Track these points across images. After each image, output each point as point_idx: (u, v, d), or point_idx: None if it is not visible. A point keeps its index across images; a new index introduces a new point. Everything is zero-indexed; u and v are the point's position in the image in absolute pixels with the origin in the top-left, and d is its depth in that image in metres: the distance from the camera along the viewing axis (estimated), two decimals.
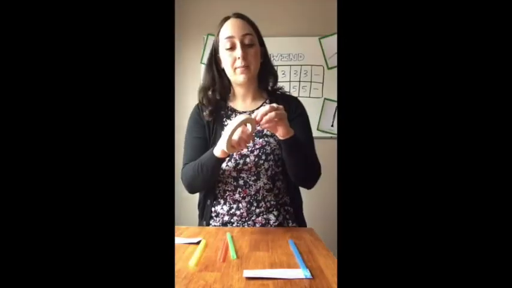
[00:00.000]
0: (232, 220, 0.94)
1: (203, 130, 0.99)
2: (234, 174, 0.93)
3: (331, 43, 1.93)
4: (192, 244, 0.69)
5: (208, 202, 0.97)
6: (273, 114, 0.73)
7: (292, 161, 0.87)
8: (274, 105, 0.76)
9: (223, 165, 0.92)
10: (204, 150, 0.96)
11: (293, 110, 0.98)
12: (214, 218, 0.96)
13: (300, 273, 0.52)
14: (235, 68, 0.94)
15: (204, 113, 0.99)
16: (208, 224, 0.97)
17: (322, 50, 1.95)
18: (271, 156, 0.93)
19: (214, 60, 0.99)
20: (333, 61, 1.95)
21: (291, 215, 0.97)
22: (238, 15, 0.97)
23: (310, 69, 1.96)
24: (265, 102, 1.01)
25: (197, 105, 1.05)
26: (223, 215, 0.95)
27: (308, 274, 0.52)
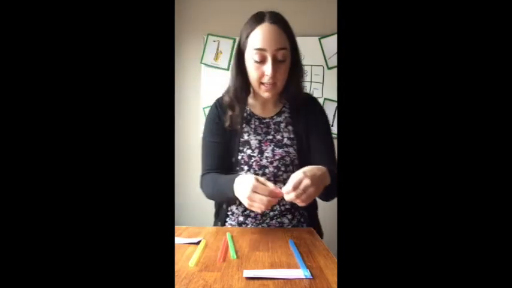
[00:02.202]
0: (246, 221, 0.92)
1: (221, 133, 0.93)
2: None
3: (331, 43, 1.93)
4: (192, 244, 0.69)
5: (224, 206, 0.95)
6: (304, 198, 0.66)
7: (324, 194, 0.81)
8: (298, 182, 0.66)
9: (242, 173, 0.90)
10: (222, 156, 0.91)
11: (312, 118, 0.92)
12: (230, 216, 0.94)
13: (300, 273, 0.52)
14: (261, 83, 0.85)
15: (226, 117, 0.92)
16: (223, 224, 0.94)
17: (322, 50, 1.95)
18: (291, 167, 0.89)
19: (238, 60, 0.88)
20: (333, 61, 1.94)
21: (306, 219, 0.94)
22: (275, 20, 0.81)
23: (310, 69, 1.96)
24: (284, 107, 0.95)
25: (215, 104, 0.98)
26: (238, 215, 0.93)
27: (308, 274, 0.52)
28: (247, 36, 0.84)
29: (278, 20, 0.82)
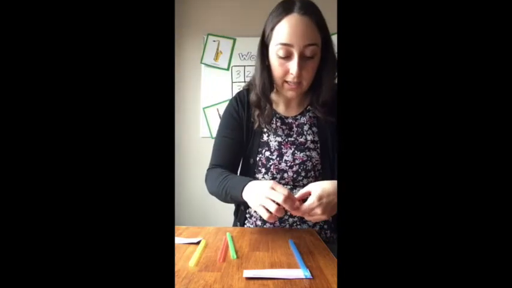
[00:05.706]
0: (265, 226, 0.87)
1: (237, 129, 0.86)
2: None
3: None
4: (192, 244, 0.69)
5: (242, 207, 0.91)
6: (310, 218, 0.66)
7: None
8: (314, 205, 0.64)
9: (259, 176, 0.85)
10: (233, 153, 0.86)
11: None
12: (248, 219, 0.90)
13: (300, 273, 0.52)
14: (284, 82, 0.76)
15: (253, 117, 0.84)
16: (242, 225, 0.91)
17: None
18: (312, 172, 0.83)
19: (262, 54, 0.79)
20: None
21: (329, 225, 0.86)
22: (306, 10, 0.69)
23: None
24: (309, 105, 0.86)
25: (236, 99, 0.89)
26: (256, 218, 0.88)
27: (308, 274, 0.52)
28: (272, 29, 0.74)
29: (310, 11, 0.71)
